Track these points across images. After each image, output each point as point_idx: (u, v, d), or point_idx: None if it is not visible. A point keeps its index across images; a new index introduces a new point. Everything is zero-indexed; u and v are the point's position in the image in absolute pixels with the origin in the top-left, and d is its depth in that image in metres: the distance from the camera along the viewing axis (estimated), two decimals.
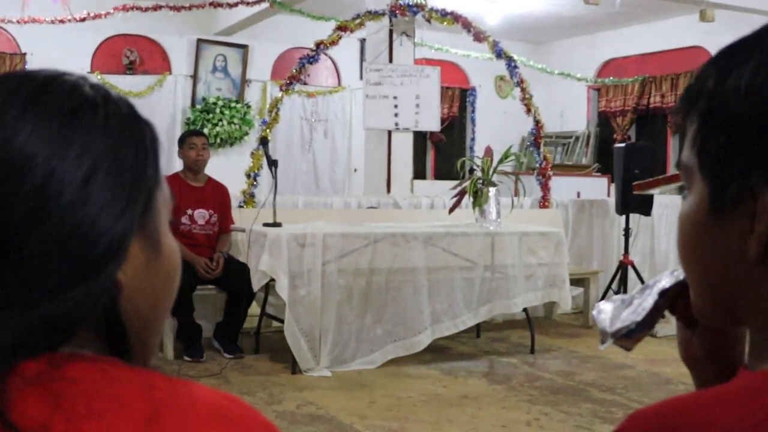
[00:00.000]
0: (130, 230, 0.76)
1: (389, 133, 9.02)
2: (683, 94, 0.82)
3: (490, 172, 6.73)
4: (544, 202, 8.45)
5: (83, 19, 9.77)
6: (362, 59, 11.07)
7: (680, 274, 0.98)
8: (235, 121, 12.88)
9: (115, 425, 0.68)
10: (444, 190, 8.36)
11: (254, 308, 6.54)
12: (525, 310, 6.74)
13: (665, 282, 1.00)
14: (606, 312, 1.05)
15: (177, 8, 10.42)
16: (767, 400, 0.68)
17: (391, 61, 8.92)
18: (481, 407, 5.16)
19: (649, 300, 1.00)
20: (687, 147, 0.80)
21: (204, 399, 0.74)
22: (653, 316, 0.99)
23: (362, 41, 10.74)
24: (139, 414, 0.69)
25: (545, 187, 8.46)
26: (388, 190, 8.95)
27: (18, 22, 10.12)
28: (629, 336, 1.01)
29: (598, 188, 11.36)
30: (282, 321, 5.90)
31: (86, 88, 0.79)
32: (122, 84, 11.97)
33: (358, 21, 8.39)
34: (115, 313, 0.76)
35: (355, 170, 13.44)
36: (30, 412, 0.68)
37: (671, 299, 0.99)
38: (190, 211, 6.48)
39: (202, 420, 0.71)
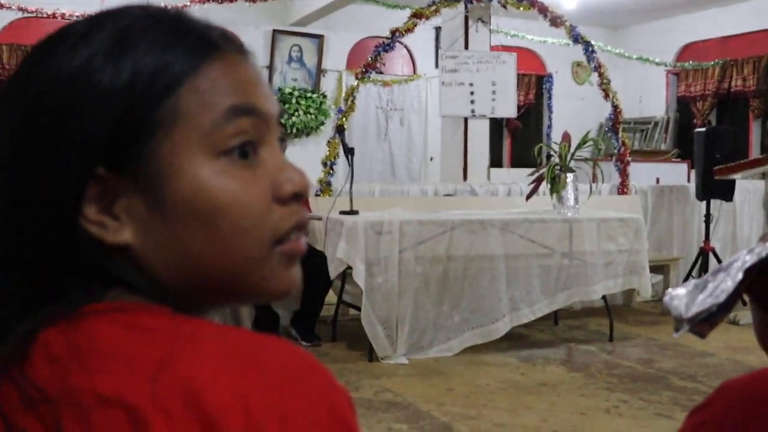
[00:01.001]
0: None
1: (465, 120, 8.98)
2: (764, 76, 0.79)
3: (568, 158, 6.66)
4: (622, 188, 8.33)
5: None
6: (437, 47, 11.05)
7: (762, 251, 0.94)
8: (311, 111, 12.94)
9: (124, 377, 0.65)
10: (521, 177, 8.31)
11: (331, 296, 6.57)
12: (604, 297, 6.66)
13: (747, 258, 0.96)
14: (680, 297, 1.01)
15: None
16: None
17: (466, 48, 8.88)
18: (559, 395, 5.12)
19: (728, 281, 0.96)
20: None
21: (230, 339, 0.68)
22: (734, 297, 0.96)
23: (437, 29, 10.71)
24: (150, 363, 0.65)
25: (624, 173, 8.35)
26: (465, 178, 8.91)
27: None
28: (708, 320, 0.98)
29: (678, 174, 11.16)
30: (359, 309, 5.91)
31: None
32: None
33: (433, 8, 8.36)
34: (126, 277, 0.73)
35: (432, 159, 13.41)
36: (46, 368, 0.68)
37: (750, 278, 0.95)
38: None
39: (218, 361, 0.65)
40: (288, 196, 0.76)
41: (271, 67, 12.81)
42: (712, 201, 7.83)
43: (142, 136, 0.71)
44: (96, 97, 0.71)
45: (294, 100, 12.82)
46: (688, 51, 14.06)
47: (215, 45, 0.76)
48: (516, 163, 14.08)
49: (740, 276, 0.95)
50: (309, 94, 12.95)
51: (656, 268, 7.60)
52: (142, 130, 0.71)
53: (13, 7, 10.03)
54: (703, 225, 7.87)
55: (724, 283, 0.96)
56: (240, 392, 0.64)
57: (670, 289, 1.04)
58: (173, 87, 0.72)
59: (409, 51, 13.66)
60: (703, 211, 7.89)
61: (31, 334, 0.69)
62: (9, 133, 0.73)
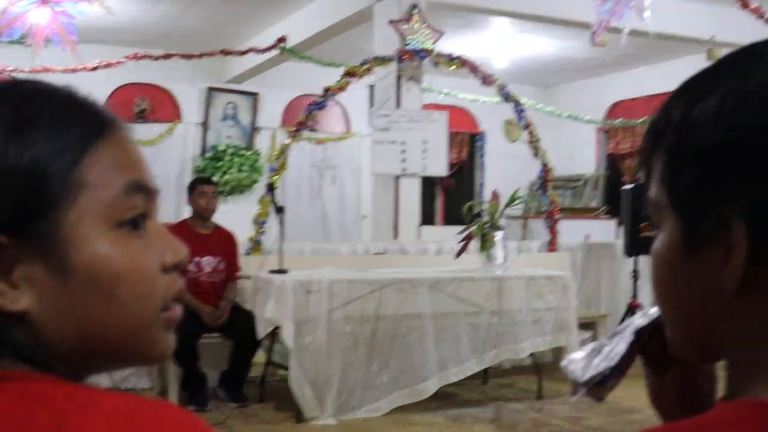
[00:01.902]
0: None
1: (397, 178, 9.03)
2: (647, 131, 0.81)
3: (497, 216, 6.73)
4: (551, 246, 8.42)
5: (95, 68, 9.86)
6: (371, 105, 11.13)
7: (654, 313, 0.96)
8: (245, 168, 12.91)
9: None
10: (453, 235, 8.36)
11: (260, 355, 6.52)
12: (533, 355, 6.70)
13: (639, 321, 0.98)
14: (576, 362, 1.03)
15: (188, 56, 10.50)
16: (742, 430, 0.67)
17: (398, 106, 8.96)
18: None
19: (621, 344, 0.98)
20: (655, 184, 0.79)
21: (122, 405, 0.69)
22: (627, 359, 0.97)
23: (371, 87, 10.80)
24: (42, 430, 0.66)
25: (553, 231, 8.44)
26: (396, 236, 8.94)
27: (31, 71, 10.19)
28: (603, 384, 0.99)
29: (607, 231, 11.32)
30: (287, 368, 5.87)
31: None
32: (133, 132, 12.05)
33: (365, 67, 8.44)
34: (17, 345, 0.74)
35: (365, 217, 13.42)
36: None
37: (644, 341, 0.97)
38: (197, 259, 6.48)
39: (111, 427, 0.67)
40: (172, 265, 0.81)
41: (205, 124, 12.80)
42: (640, 257, 7.93)
43: (47, 207, 0.74)
44: (9, 171, 0.73)
45: (228, 158, 12.79)
46: (617, 109, 14.35)
47: (108, 123, 0.81)
48: (449, 221, 14.15)
49: (631, 338, 0.97)
50: (243, 152, 12.93)
51: (585, 325, 7.66)
52: (47, 203, 0.74)
53: None
54: (631, 281, 7.96)
55: (618, 346, 0.98)
56: None
57: (569, 355, 1.05)
58: (75, 162, 0.76)
59: (343, 109, 13.73)
60: (631, 268, 7.98)
61: None
62: None
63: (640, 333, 0.97)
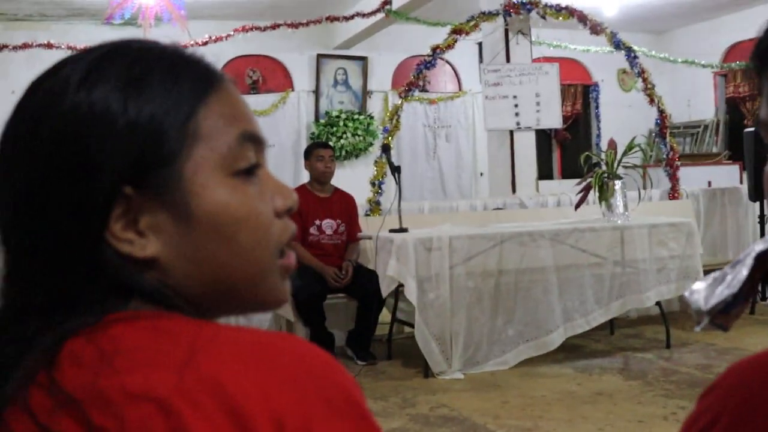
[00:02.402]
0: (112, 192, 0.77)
1: (511, 133, 8.97)
2: (754, 50, 0.79)
3: (614, 165, 6.64)
4: (673, 194, 8.26)
5: (205, 43, 10.02)
6: (481, 62, 11.06)
7: None
8: (359, 132, 13.00)
9: (150, 374, 0.70)
10: (572, 188, 8.28)
11: (385, 314, 6.60)
12: (659, 304, 6.61)
13: (760, 247, 0.97)
14: (699, 291, 1.01)
15: (295, 25, 10.60)
16: None
17: (508, 61, 8.89)
18: (616, 403, 5.09)
19: (743, 270, 0.96)
20: (765, 104, 0.77)
21: (247, 337, 0.74)
22: (749, 285, 0.96)
23: (480, 44, 10.72)
24: (175, 360, 0.71)
25: (674, 178, 8.27)
26: (513, 191, 8.90)
27: None
28: (726, 311, 0.97)
29: (731, 176, 11.01)
30: (413, 326, 5.93)
31: None
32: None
33: (472, 23, 8.39)
34: (146, 289, 0.79)
35: (482, 174, 13.40)
36: (74, 373, 0.73)
37: (766, 266, 0.95)
38: (318, 222, 6.58)
39: (238, 356, 0.72)
40: (284, 210, 0.85)
41: (317, 91, 12.93)
42: (766, 201, 7.72)
43: (167, 159, 0.78)
44: (120, 131, 0.77)
45: (341, 123, 12.90)
46: (734, 51, 13.90)
47: (216, 76, 0.84)
48: (567, 174, 13.99)
49: (752, 263, 0.95)
50: (356, 116, 13.03)
51: (711, 272, 7.50)
52: (167, 155, 0.78)
53: None
54: (758, 226, 7.77)
55: (739, 274, 0.97)
56: (261, 383, 0.70)
57: (692, 285, 1.04)
58: (190, 115, 0.80)
59: (453, 68, 13.69)
60: (757, 212, 7.78)
61: (58, 343, 0.75)
62: (27, 168, 0.78)
63: (761, 258, 0.95)
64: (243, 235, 0.80)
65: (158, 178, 0.78)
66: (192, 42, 10.03)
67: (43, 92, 0.80)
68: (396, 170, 6.53)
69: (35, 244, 0.78)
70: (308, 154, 6.81)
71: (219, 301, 0.83)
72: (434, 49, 8.26)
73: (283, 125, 12.72)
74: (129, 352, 0.72)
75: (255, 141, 0.84)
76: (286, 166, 12.41)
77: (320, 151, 6.78)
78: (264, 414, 0.68)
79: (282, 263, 0.85)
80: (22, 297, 0.78)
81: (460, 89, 13.83)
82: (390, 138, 7.92)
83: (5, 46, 10.17)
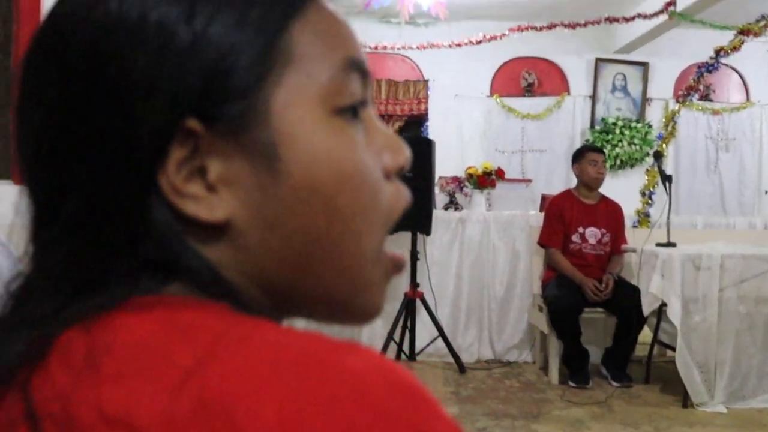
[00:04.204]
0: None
1: None
2: None
3: None
4: None
5: (479, 42, 9.90)
6: None
7: None
8: (635, 141, 12.46)
9: (137, 389, 0.47)
10: None
11: (646, 334, 6.17)
12: None
13: None
14: None
15: (572, 26, 10.26)
16: None
17: None
18: None
19: None
20: None
21: (297, 344, 0.49)
22: None
23: None
24: (177, 369, 0.47)
25: None
26: None
27: (418, 48, 10.48)
28: None
29: None
30: (674, 349, 5.49)
31: None
32: (520, 106, 12.09)
33: (762, 23, 7.74)
34: (195, 269, 0.56)
35: (766, 192, 12.51)
36: (56, 376, 0.51)
37: None
38: (581, 230, 6.27)
39: (269, 372, 0.47)
40: (395, 168, 0.63)
41: (594, 96, 12.51)
42: None
43: (248, 84, 0.56)
44: (183, 45, 0.55)
45: (618, 131, 12.41)
46: None
47: None
48: None
49: None
50: (633, 124, 12.49)
51: None
52: (248, 78, 0.56)
53: None
54: None
55: None
56: (290, 418, 0.45)
57: None
58: (280, 27, 0.58)
59: (740, 75, 12.84)
60: None
61: (51, 333, 0.53)
62: (54, 93, 0.57)
63: None
64: (344, 197, 0.58)
65: (235, 110, 0.55)
66: (467, 41, 9.96)
67: None
68: (667, 179, 6.09)
69: (60, 193, 0.56)
70: (579, 156, 6.48)
71: (298, 290, 0.60)
72: (717, 52, 7.70)
73: (557, 130, 12.40)
74: (123, 353, 0.50)
75: (362, 72, 0.62)
76: (557, 173, 12.10)
77: (593, 155, 6.44)
78: None
79: (392, 256, 0.63)
80: (41, 267, 0.58)
81: (747, 99, 12.94)
82: (664, 145, 7.45)
83: None
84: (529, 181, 9.04)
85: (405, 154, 0.64)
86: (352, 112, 0.61)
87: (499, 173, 7.52)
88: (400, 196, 0.64)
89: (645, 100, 12.58)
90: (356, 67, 0.61)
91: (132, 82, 0.54)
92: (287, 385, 0.46)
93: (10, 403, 0.52)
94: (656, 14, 9.97)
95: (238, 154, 0.56)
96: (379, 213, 0.61)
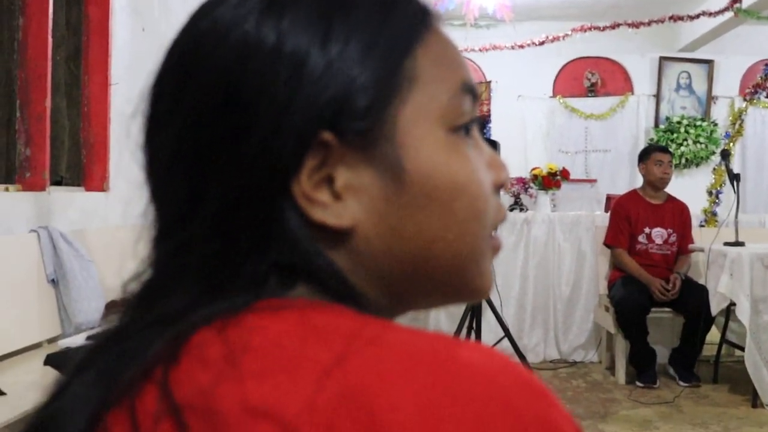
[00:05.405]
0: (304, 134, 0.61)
1: None
2: None
3: None
4: None
5: (542, 43, 9.88)
6: None
7: None
8: (701, 140, 12.31)
9: (280, 382, 0.52)
10: None
11: (714, 334, 6.12)
12: None
13: None
14: None
15: (636, 25, 10.18)
16: None
17: None
18: None
19: None
20: None
21: (424, 343, 0.54)
22: None
23: None
24: (316, 366, 0.52)
25: None
26: None
27: (481, 50, 10.48)
28: None
29: None
30: (743, 349, 5.44)
31: None
32: (584, 107, 12.02)
33: None
34: (323, 271, 0.61)
35: None
36: (193, 373, 0.56)
37: None
38: (647, 230, 6.24)
39: (404, 367, 0.51)
40: (499, 184, 0.71)
41: (658, 95, 12.40)
42: None
43: (379, 101, 0.62)
44: (317, 68, 0.61)
45: (683, 129, 12.28)
46: None
47: (432, 11, 0.70)
48: None
49: None
50: (698, 123, 12.34)
51: None
52: (379, 95, 0.63)
53: None
54: None
55: None
56: (427, 408, 0.50)
57: None
58: (407, 51, 0.65)
59: None
60: None
61: (184, 333, 0.59)
62: (190, 105, 0.63)
63: None
64: (461, 203, 0.65)
65: (364, 125, 0.62)
66: (530, 42, 9.94)
67: (212, 20, 0.64)
68: (735, 178, 6.04)
69: (194, 197, 0.62)
70: (645, 156, 6.45)
71: (415, 287, 0.66)
72: None
73: (621, 130, 12.30)
74: (263, 352, 0.55)
75: (474, 94, 0.69)
76: (621, 173, 12.02)
77: (659, 155, 6.40)
78: None
79: (494, 244, 0.70)
80: (169, 269, 0.63)
81: None
82: (731, 144, 7.38)
83: None
84: (594, 181, 9.00)
85: (507, 172, 0.72)
86: (465, 130, 0.67)
87: (564, 174, 7.51)
88: (500, 209, 0.71)
89: (710, 98, 12.43)
90: (469, 89, 0.68)
91: (272, 98, 0.60)
92: (422, 379, 0.51)
93: (148, 397, 0.57)
94: (721, 11, 9.86)
95: (363, 164, 0.62)
96: (487, 218, 0.67)
